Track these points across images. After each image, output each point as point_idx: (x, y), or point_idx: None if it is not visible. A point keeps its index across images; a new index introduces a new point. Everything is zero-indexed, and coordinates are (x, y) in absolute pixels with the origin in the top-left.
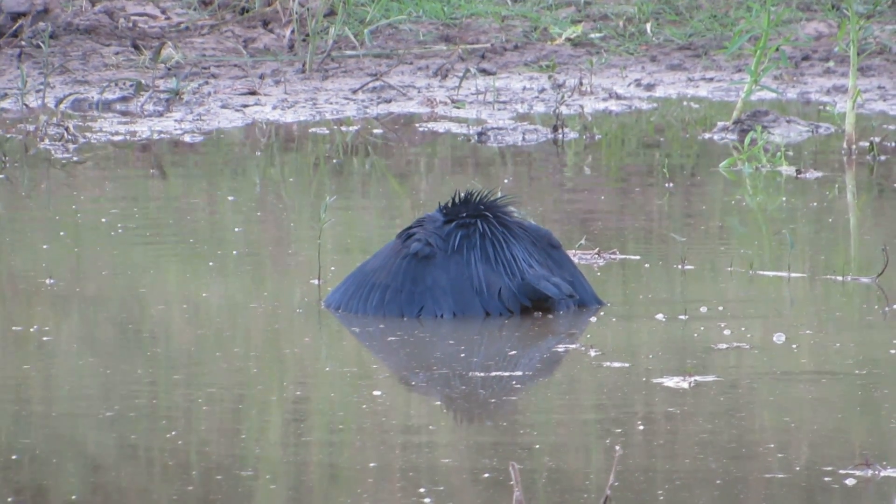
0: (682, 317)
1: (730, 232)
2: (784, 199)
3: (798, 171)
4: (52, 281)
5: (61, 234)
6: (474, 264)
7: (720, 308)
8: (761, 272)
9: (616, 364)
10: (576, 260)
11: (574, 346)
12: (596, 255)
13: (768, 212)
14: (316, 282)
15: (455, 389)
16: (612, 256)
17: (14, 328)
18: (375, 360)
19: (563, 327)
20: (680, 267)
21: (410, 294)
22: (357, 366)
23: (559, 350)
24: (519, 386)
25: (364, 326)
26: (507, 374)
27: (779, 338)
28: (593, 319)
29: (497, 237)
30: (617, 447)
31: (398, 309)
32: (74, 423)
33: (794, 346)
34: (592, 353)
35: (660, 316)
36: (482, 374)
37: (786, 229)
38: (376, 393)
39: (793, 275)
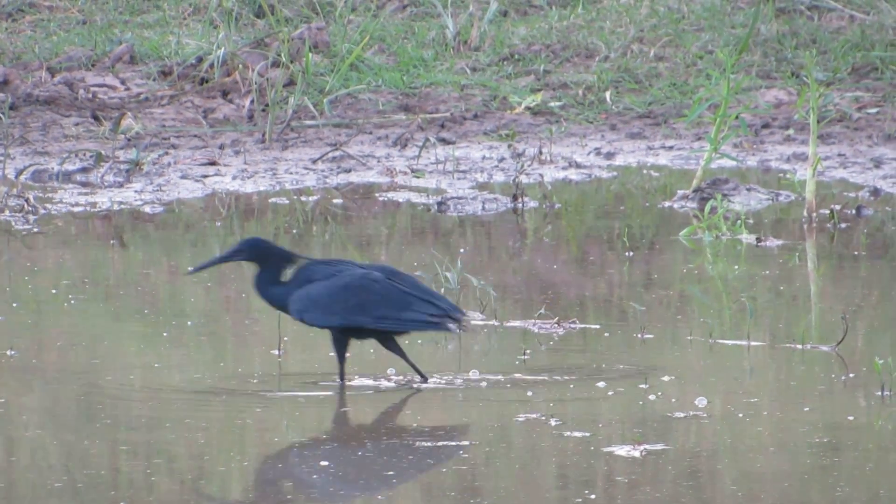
0: (641, 385)
1: (690, 300)
2: (744, 267)
3: (758, 240)
4: (13, 352)
5: (14, 305)
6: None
7: (679, 377)
8: (721, 340)
9: (576, 433)
10: (535, 329)
11: (534, 415)
12: (556, 325)
13: (728, 280)
14: (276, 352)
15: (405, 460)
16: (572, 325)
17: None
18: (325, 429)
19: (524, 396)
20: (640, 336)
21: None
22: (307, 436)
23: (519, 419)
24: (469, 455)
25: (316, 395)
26: (459, 443)
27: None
28: (554, 389)
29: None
30: None
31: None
32: (25, 492)
33: (743, 414)
34: (553, 422)
35: (601, 384)
36: (432, 444)
37: (746, 297)
38: (324, 463)
39: (753, 343)
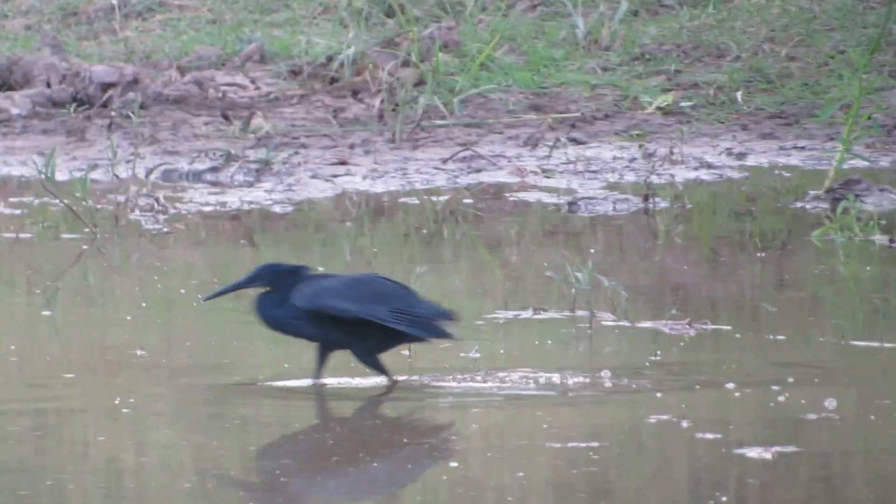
0: (773, 387)
1: (822, 301)
2: (877, 268)
3: (891, 240)
4: (142, 352)
5: (143, 304)
6: None
7: (811, 378)
8: (853, 342)
9: (707, 435)
10: (666, 330)
11: (665, 416)
12: (687, 326)
13: (861, 281)
14: (406, 353)
15: (536, 461)
16: (704, 326)
17: (110, 399)
18: (456, 431)
19: (655, 397)
20: (771, 337)
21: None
22: (436, 436)
23: (650, 420)
24: (600, 457)
25: (446, 397)
26: (589, 444)
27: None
28: (685, 390)
29: None
30: None
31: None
32: (155, 493)
33: (875, 416)
34: (684, 423)
35: (730, 385)
36: (562, 446)
37: (878, 299)
38: (454, 465)
39: (886, 345)
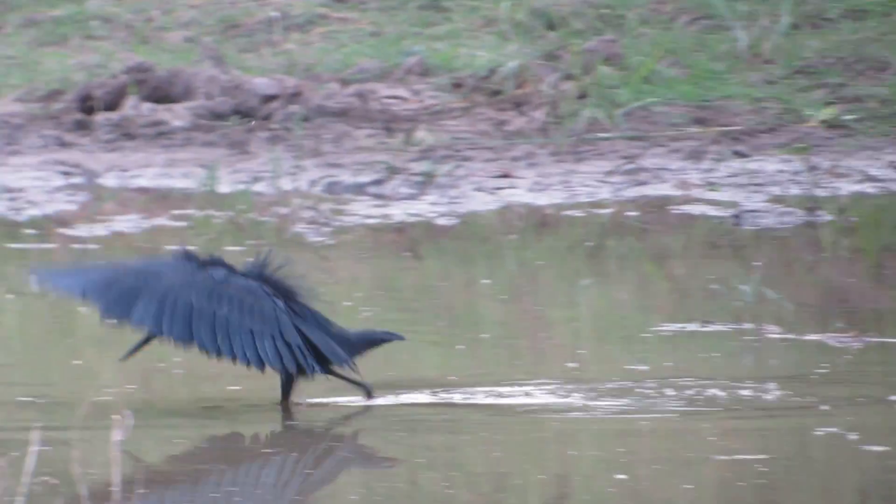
0: None
1: None
2: None
3: None
4: None
5: None
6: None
7: None
8: None
9: (875, 447)
10: (832, 342)
11: (832, 429)
12: (853, 338)
13: None
14: (572, 365)
15: (702, 474)
16: (870, 339)
17: (281, 412)
18: (623, 442)
19: (821, 409)
20: None
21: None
22: (602, 450)
23: (817, 433)
24: (768, 469)
25: (608, 404)
26: (756, 456)
27: None
28: (852, 402)
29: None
30: None
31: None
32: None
33: None
34: (852, 436)
35: (893, 397)
36: (729, 458)
37: None
38: (621, 477)
39: None
